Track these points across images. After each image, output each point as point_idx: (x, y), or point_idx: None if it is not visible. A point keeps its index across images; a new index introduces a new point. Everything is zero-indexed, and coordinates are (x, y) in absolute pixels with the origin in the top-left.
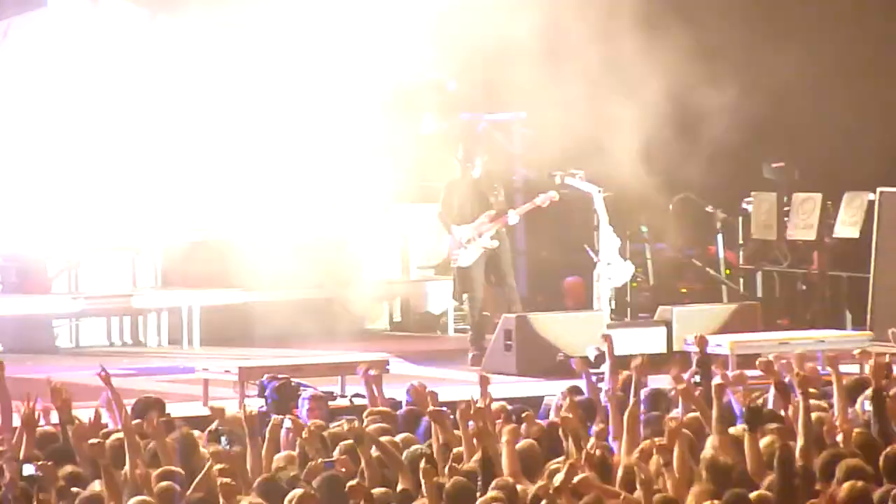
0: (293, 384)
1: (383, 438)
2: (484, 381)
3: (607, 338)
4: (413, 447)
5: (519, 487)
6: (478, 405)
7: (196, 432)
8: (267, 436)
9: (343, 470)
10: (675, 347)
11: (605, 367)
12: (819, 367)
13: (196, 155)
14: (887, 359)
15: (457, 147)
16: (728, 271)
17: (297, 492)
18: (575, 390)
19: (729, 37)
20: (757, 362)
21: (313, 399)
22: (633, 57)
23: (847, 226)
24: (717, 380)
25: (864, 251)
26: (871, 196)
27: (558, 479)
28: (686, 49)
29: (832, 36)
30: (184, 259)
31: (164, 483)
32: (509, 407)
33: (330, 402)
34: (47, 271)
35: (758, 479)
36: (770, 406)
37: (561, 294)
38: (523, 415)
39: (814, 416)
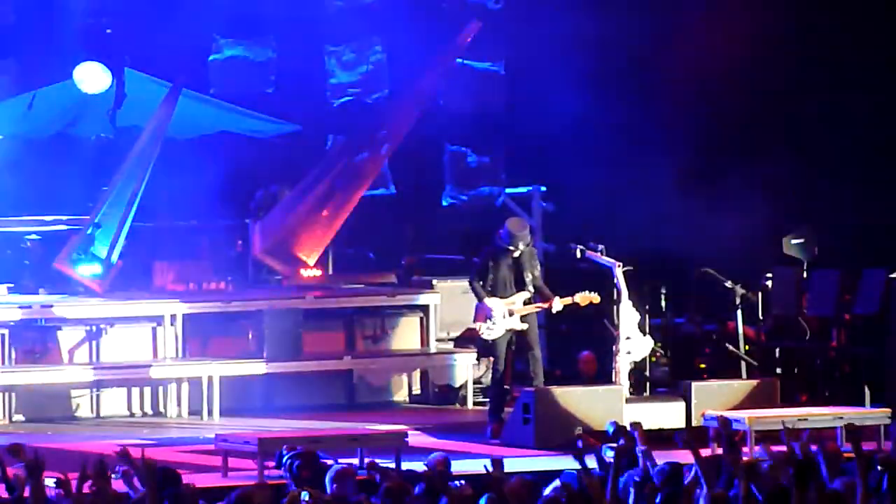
0: (313, 456)
1: None
2: (497, 465)
3: (637, 425)
4: None
5: None
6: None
7: None
8: None
9: None
10: (694, 423)
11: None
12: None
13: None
14: None
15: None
16: (747, 347)
17: None
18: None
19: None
20: (782, 430)
21: (338, 474)
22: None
23: (866, 302)
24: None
25: (883, 328)
26: (891, 273)
27: None
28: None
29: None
30: (205, 329)
31: None
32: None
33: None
34: (67, 341)
35: None
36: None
37: (578, 367)
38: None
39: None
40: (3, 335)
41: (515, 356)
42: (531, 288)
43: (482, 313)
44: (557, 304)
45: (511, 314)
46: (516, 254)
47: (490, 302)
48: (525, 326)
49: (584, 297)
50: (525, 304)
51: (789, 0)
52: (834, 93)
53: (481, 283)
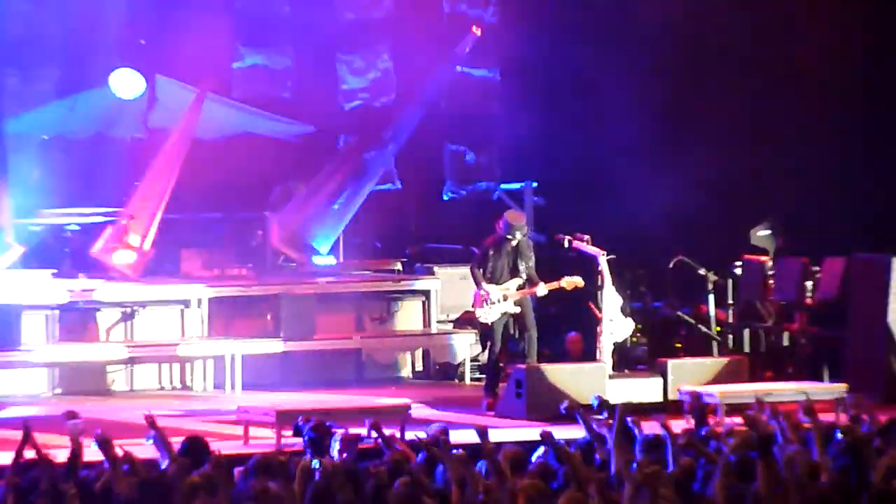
0: (326, 426)
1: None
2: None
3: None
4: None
5: None
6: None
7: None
8: (297, 474)
9: None
10: (671, 397)
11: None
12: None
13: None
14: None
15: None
16: (718, 328)
17: None
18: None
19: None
20: (743, 415)
21: (344, 440)
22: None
23: (826, 288)
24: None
25: (841, 311)
26: (848, 261)
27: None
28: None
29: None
30: (227, 311)
31: None
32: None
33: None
34: (105, 322)
35: None
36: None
37: (565, 347)
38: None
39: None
40: (47, 316)
41: (519, 337)
42: (524, 275)
43: (480, 298)
44: (542, 289)
45: (505, 299)
46: (514, 242)
47: (487, 288)
48: (518, 310)
49: (570, 282)
50: (518, 289)
51: None
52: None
53: (481, 270)
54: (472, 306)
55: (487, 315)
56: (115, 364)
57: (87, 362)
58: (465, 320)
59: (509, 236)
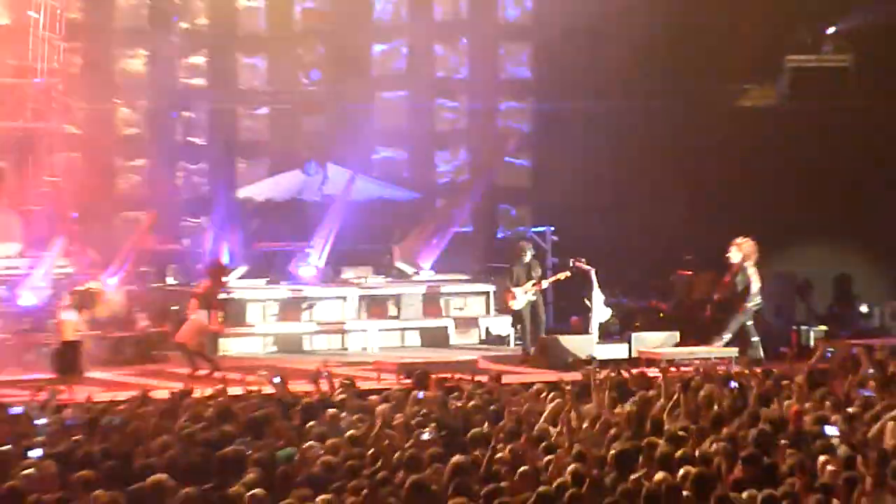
0: (426, 373)
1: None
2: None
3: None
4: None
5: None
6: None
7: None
8: (410, 401)
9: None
10: (633, 355)
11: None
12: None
13: None
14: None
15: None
16: (661, 315)
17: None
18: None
19: None
20: (660, 368)
21: (439, 382)
22: None
23: (723, 291)
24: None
25: (731, 306)
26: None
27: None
28: None
29: None
30: (369, 303)
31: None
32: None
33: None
34: (298, 308)
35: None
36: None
37: (570, 325)
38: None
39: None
40: (263, 305)
41: (534, 319)
42: (534, 279)
43: (510, 295)
44: (545, 283)
45: (525, 293)
46: (526, 260)
47: (514, 289)
48: (535, 299)
49: (561, 275)
50: (532, 286)
51: None
52: None
53: (512, 277)
54: (506, 301)
55: (516, 304)
56: (305, 334)
57: (287, 333)
58: (507, 309)
59: (524, 257)
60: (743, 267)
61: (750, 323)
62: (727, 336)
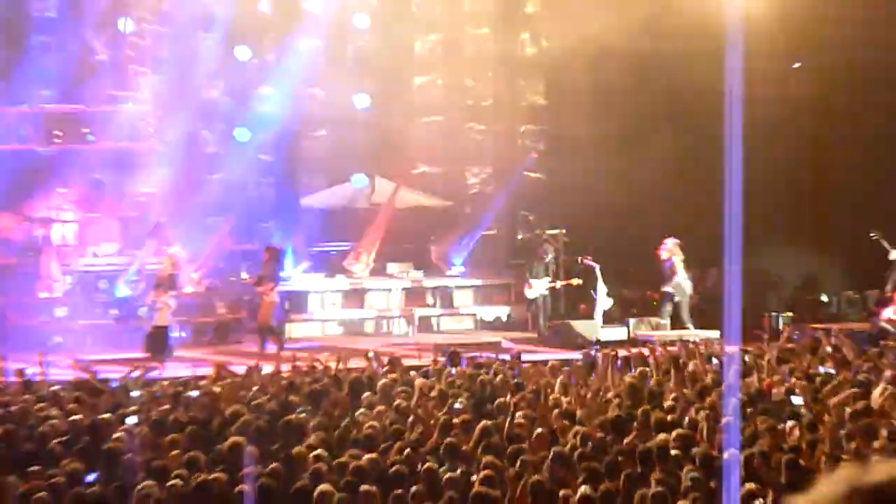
0: (457, 352)
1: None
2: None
3: (594, 343)
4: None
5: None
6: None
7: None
8: (444, 376)
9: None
10: (630, 336)
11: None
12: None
13: None
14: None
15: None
16: (655, 303)
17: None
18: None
19: None
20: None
21: (469, 360)
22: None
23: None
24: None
25: (716, 295)
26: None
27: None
28: None
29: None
30: (410, 294)
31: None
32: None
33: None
34: (354, 297)
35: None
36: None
37: (579, 312)
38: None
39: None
40: (321, 296)
41: (545, 308)
42: (550, 275)
43: (528, 284)
44: (559, 284)
45: (540, 286)
46: (547, 259)
47: (533, 281)
48: (547, 292)
49: (573, 280)
50: (548, 287)
51: None
52: None
53: (531, 271)
54: (525, 289)
55: (531, 294)
56: (362, 319)
57: (343, 319)
58: (522, 298)
59: (546, 256)
60: (671, 261)
61: (678, 300)
62: (667, 319)
